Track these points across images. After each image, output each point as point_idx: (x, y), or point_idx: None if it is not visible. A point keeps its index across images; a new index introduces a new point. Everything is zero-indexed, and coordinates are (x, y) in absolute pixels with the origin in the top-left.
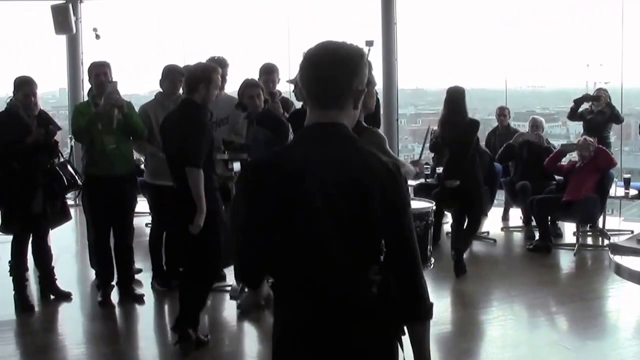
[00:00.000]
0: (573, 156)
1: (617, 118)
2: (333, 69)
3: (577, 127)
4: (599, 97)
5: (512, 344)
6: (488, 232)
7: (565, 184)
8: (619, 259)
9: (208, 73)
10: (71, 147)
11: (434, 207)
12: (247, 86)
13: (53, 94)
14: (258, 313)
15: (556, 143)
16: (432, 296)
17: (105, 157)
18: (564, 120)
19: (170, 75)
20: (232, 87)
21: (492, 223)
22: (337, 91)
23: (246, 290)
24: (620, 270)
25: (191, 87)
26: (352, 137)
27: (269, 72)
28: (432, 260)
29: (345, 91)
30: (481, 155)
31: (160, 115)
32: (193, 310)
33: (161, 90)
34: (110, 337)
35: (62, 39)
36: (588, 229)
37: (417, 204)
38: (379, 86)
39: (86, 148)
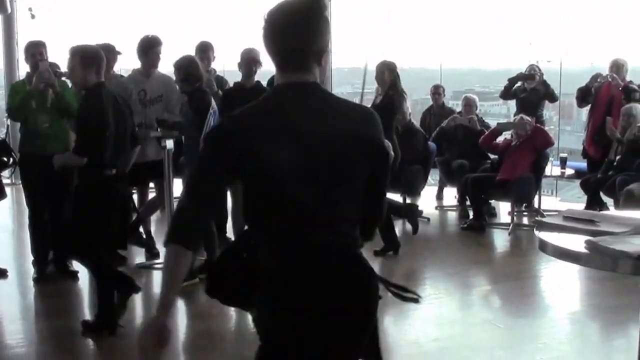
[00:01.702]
0: (508, 135)
1: (551, 96)
2: (296, 33)
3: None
4: (533, 76)
5: (445, 322)
6: (422, 211)
7: (500, 163)
8: (544, 235)
9: None
10: (7, 126)
11: None
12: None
13: None
14: (192, 289)
15: (496, 122)
16: None
17: (39, 135)
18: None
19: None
20: (166, 66)
21: (426, 202)
22: (301, 54)
23: None
24: (544, 247)
25: None
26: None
27: (203, 50)
28: None
29: (310, 53)
30: (415, 134)
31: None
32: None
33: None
34: (45, 312)
35: None
36: (523, 208)
37: None
38: None
39: (21, 127)
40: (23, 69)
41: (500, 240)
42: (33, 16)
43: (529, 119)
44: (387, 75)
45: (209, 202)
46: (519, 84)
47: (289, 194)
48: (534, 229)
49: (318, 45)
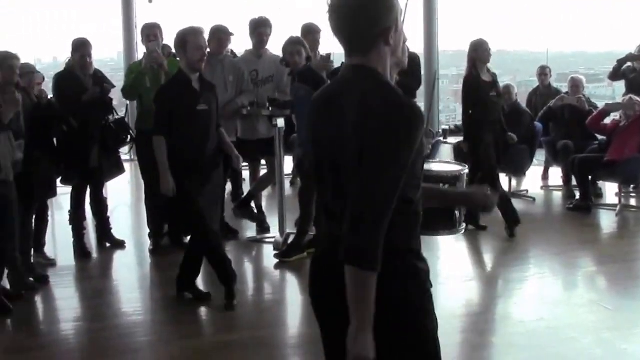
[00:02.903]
0: (617, 116)
1: None
2: (349, 17)
3: (624, 87)
4: None
5: (550, 302)
6: (527, 191)
7: (608, 144)
8: None
9: (183, 38)
10: (127, 105)
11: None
12: (290, 43)
13: (112, 57)
14: (300, 263)
15: (601, 104)
16: (468, 252)
17: (152, 113)
18: (610, 81)
19: (217, 34)
20: (277, 47)
21: (531, 182)
22: (356, 38)
23: (288, 242)
24: None
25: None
26: (373, 76)
27: (307, 32)
28: (464, 225)
29: (366, 36)
30: (521, 114)
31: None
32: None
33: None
34: (160, 283)
35: (118, 3)
36: (631, 189)
37: (445, 167)
38: (419, 46)
39: (137, 105)
40: (142, 51)
41: (607, 221)
42: (150, 0)
43: (638, 99)
44: None
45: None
46: (628, 64)
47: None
48: None
49: (371, 26)
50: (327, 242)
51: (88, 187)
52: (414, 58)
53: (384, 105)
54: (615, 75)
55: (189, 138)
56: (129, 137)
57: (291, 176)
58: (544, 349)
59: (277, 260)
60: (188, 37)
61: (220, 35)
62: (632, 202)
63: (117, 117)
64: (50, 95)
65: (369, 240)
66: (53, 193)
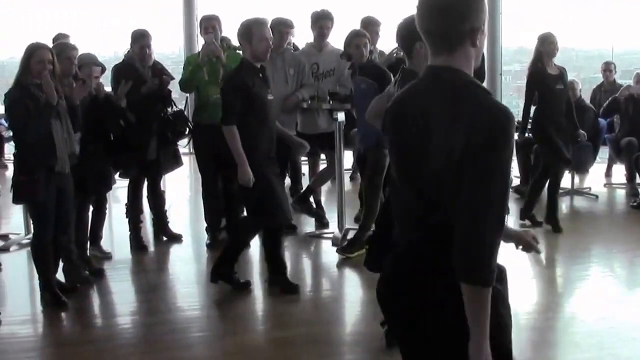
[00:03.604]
0: None
1: None
2: (438, 15)
3: None
4: None
5: (612, 301)
6: (590, 188)
7: None
8: None
9: (249, 29)
10: (187, 97)
11: None
12: (354, 36)
13: (173, 51)
14: (359, 259)
15: None
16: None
17: (210, 106)
18: None
19: (278, 27)
20: (338, 40)
21: (594, 179)
22: (444, 37)
23: (347, 238)
24: None
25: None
26: (456, 81)
27: (367, 25)
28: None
29: (454, 35)
30: (585, 111)
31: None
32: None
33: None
34: None
35: None
36: None
37: None
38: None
39: (195, 98)
40: (201, 43)
41: None
42: None
43: None
44: None
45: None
46: None
47: None
48: None
49: (457, 25)
50: (408, 249)
51: (145, 180)
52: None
53: (487, 115)
54: None
55: (263, 128)
56: (188, 129)
57: (351, 171)
58: (605, 349)
59: (336, 256)
60: (253, 28)
61: (281, 28)
62: None
63: (175, 109)
64: (108, 88)
65: (490, 260)
66: (108, 187)
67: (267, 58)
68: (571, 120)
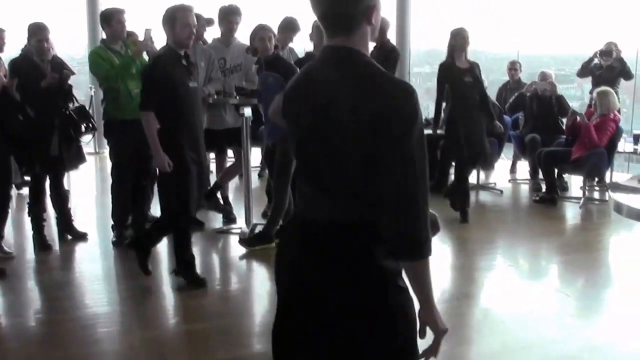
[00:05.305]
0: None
1: (627, 74)
2: None
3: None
4: (610, 52)
5: (513, 289)
6: (495, 184)
7: (574, 142)
8: (618, 197)
9: (173, 15)
10: (91, 96)
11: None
12: (260, 29)
13: (79, 52)
14: (266, 253)
15: (570, 104)
16: (435, 241)
17: (132, 101)
18: (580, 82)
19: (227, 16)
20: (245, 35)
21: (499, 175)
22: (341, 18)
23: (255, 231)
24: (619, 208)
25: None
26: (356, 60)
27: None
28: None
29: (351, 16)
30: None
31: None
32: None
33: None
34: (124, 274)
35: None
36: (595, 183)
37: None
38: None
39: (108, 94)
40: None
41: (572, 213)
42: None
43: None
44: None
45: None
46: (595, 60)
47: None
48: (609, 191)
49: (353, 6)
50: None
51: (47, 177)
52: (395, 49)
53: (395, 90)
54: (583, 71)
55: (186, 115)
56: (91, 126)
57: (259, 168)
58: (510, 333)
59: (243, 251)
60: (177, 14)
61: (231, 17)
62: (596, 195)
63: (77, 104)
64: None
65: (427, 232)
66: (9, 183)
67: (189, 45)
68: (487, 112)
